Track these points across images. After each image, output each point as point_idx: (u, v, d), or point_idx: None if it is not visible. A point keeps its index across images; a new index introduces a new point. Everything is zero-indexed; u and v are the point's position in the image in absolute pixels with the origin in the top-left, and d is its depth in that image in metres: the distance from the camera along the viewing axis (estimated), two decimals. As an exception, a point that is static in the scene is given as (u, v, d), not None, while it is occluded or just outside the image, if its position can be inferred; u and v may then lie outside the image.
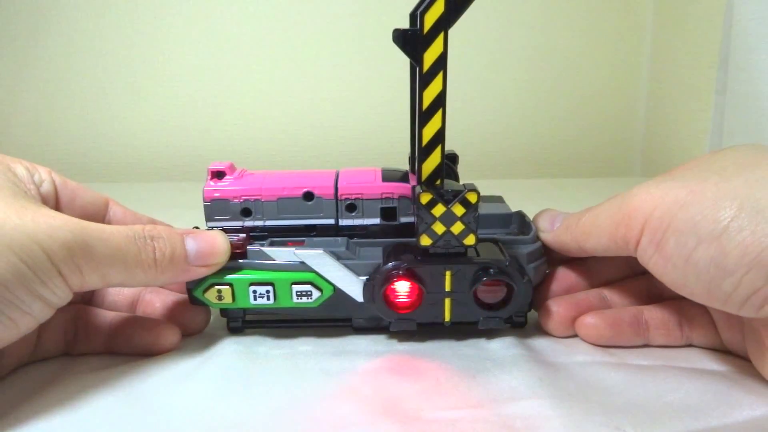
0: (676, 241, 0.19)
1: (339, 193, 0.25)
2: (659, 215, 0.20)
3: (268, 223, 0.25)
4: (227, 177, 0.26)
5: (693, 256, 0.19)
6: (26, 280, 0.18)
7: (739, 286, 0.18)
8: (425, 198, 0.22)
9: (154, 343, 0.24)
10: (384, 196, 0.25)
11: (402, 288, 0.24)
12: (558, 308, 0.25)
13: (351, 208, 0.25)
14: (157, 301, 0.26)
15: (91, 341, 0.24)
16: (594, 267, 0.27)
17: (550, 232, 0.25)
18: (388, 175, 0.26)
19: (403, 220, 0.25)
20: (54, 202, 0.23)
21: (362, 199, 0.25)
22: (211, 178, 0.26)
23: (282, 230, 0.25)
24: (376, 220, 0.25)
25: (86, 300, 0.26)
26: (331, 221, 0.25)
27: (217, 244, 0.23)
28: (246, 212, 0.25)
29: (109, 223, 0.26)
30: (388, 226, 0.25)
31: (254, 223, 0.25)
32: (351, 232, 0.25)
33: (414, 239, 0.23)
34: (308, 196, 0.25)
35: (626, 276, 0.26)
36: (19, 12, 0.66)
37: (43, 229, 0.18)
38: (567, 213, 0.25)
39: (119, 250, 0.20)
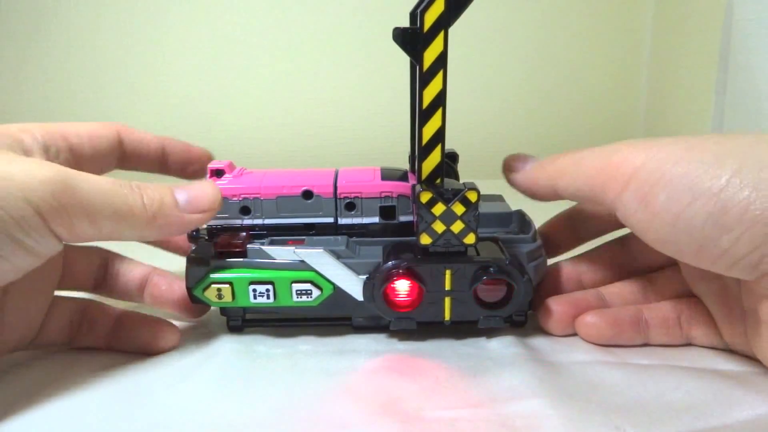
0: (667, 196, 0.19)
1: (338, 192, 0.25)
2: (650, 168, 0.19)
3: (267, 221, 0.25)
4: (226, 175, 0.26)
5: (686, 212, 0.18)
6: (3, 225, 0.17)
7: (738, 243, 0.18)
8: (425, 197, 0.22)
9: (153, 341, 0.24)
10: (383, 194, 0.25)
11: (402, 287, 0.24)
12: (558, 307, 0.25)
13: (350, 206, 0.25)
14: (164, 283, 0.26)
15: (94, 335, 0.24)
16: (590, 267, 0.27)
17: (521, 171, 0.24)
18: (388, 174, 0.26)
19: (402, 218, 0.25)
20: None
21: (361, 198, 0.25)
22: (210, 177, 0.26)
23: (281, 228, 0.25)
24: (375, 219, 0.25)
25: (98, 282, 0.26)
26: (330, 220, 0.25)
27: (207, 190, 0.23)
28: (245, 210, 0.25)
29: None
30: (387, 225, 0.25)
31: (253, 221, 0.25)
32: (350, 230, 0.25)
33: (414, 238, 0.23)
34: (307, 194, 0.25)
35: (618, 277, 0.26)
36: (18, 12, 0.66)
37: (21, 168, 0.18)
38: (537, 157, 0.25)
39: (106, 193, 0.20)
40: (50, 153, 0.23)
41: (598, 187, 0.21)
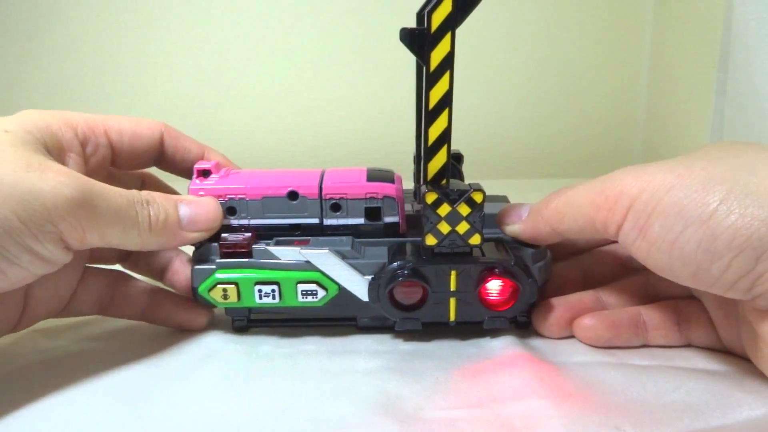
0: (661, 225, 0.19)
1: (323, 193, 0.25)
2: (645, 198, 0.20)
3: (253, 221, 0.25)
4: (213, 175, 0.26)
5: (679, 240, 0.19)
6: (15, 233, 0.18)
7: (728, 270, 0.18)
8: (431, 197, 0.22)
9: (188, 320, 0.25)
10: (368, 195, 0.25)
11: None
12: (553, 309, 0.25)
13: (335, 207, 0.25)
14: (183, 272, 0.26)
15: (127, 308, 0.26)
16: (588, 267, 0.27)
17: (520, 223, 0.24)
18: (373, 175, 0.26)
19: (387, 220, 0.25)
20: (105, 173, 0.25)
21: (346, 199, 0.25)
22: (197, 177, 0.26)
23: (267, 229, 0.25)
24: (361, 220, 0.25)
25: (122, 257, 0.27)
26: (316, 221, 0.25)
27: (210, 210, 0.24)
28: (231, 211, 0.25)
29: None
30: (372, 226, 0.25)
31: (239, 221, 0.25)
32: (335, 231, 0.25)
33: (419, 239, 0.23)
34: (293, 195, 0.25)
35: (620, 276, 0.26)
36: (19, 12, 0.65)
37: (48, 184, 0.19)
38: (529, 203, 0.25)
39: (120, 211, 0.21)
40: (87, 149, 0.24)
41: (600, 223, 0.21)
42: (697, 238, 0.19)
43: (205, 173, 0.26)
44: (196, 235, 0.24)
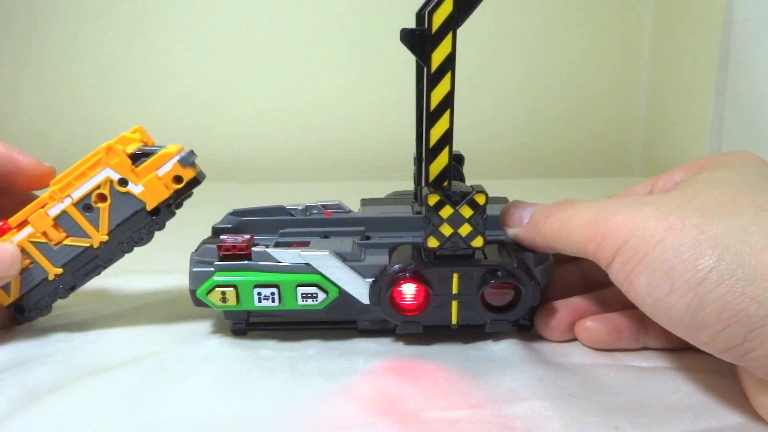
0: (647, 280, 0.19)
1: None
2: (633, 246, 0.19)
3: None
4: None
5: (665, 301, 0.18)
6: None
7: (716, 339, 0.18)
8: (433, 199, 0.22)
9: None
10: None
11: (408, 290, 0.24)
12: (555, 313, 0.24)
13: None
14: None
15: None
16: (589, 271, 0.26)
17: (520, 228, 0.24)
18: None
19: None
20: None
21: None
22: None
23: None
24: None
25: None
26: None
27: (5, 258, 0.23)
28: None
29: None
30: None
31: None
32: None
33: (421, 241, 0.23)
34: None
35: None
36: (18, 12, 0.65)
37: None
38: (534, 206, 0.24)
39: None
40: None
41: (591, 254, 0.21)
42: (684, 303, 0.18)
43: None
44: None
